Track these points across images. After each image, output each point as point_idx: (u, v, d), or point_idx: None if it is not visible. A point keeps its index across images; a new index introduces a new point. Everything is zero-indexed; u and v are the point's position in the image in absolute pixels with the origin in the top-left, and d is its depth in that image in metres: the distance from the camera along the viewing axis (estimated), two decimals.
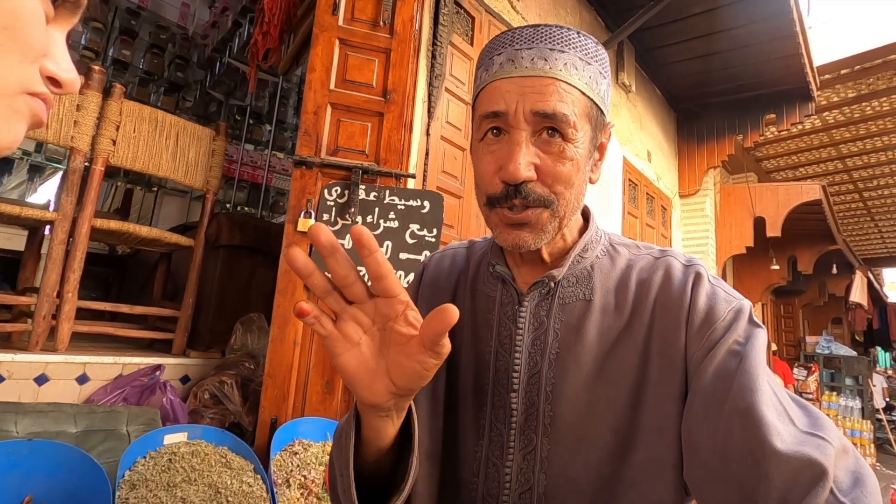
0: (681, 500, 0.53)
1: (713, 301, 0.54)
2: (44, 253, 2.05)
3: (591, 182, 0.59)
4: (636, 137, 4.20)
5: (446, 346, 0.42)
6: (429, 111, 2.19)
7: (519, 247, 0.56)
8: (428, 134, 2.18)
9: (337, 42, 1.98)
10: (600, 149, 0.60)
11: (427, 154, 2.17)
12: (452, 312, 0.39)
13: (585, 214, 0.65)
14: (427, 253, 1.89)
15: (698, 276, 0.56)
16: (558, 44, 0.54)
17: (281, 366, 1.77)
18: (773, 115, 4.53)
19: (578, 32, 0.56)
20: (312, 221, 1.84)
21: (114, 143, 2.03)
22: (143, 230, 2.18)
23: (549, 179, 0.53)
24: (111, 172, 4.13)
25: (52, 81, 0.35)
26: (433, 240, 1.90)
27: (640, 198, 4.15)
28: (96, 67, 1.96)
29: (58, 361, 1.80)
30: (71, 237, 1.95)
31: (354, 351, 0.44)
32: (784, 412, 0.47)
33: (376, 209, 1.90)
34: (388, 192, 1.91)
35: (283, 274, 1.83)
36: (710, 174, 5.00)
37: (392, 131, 1.98)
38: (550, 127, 0.53)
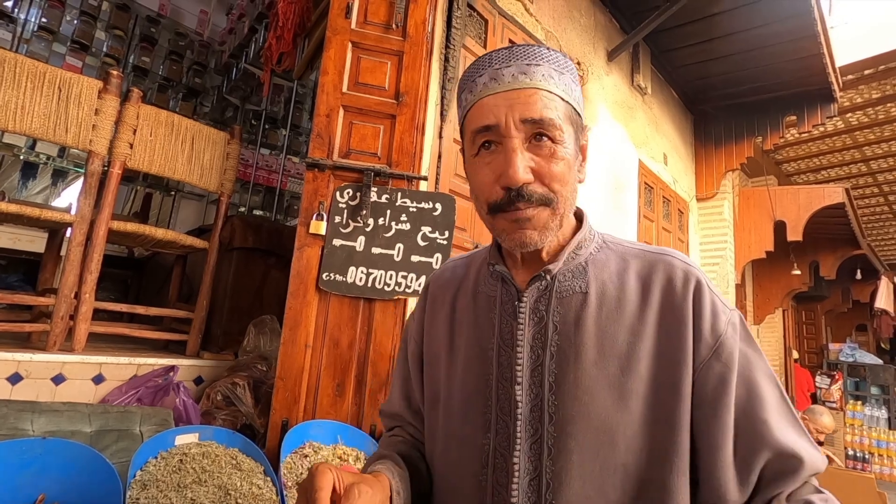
0: (687, 488, 0.56)
1: (715, 314, 0.59)
2: (63, 255, 2.08)
3: (580, 182, 0.64)
4: (652, 140, 4.14)
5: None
6: (441, 114, 2.19)
7: (526, 245, 0.60)
8: (440, 136, 2.17)
9: (349, 45, 1.99)
10: (582, 150, 0.64)
11: (439, 156, 2.16)
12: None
13: (579, 216, 0.69)
14: (439, 256, 1.88)
15: (699, 286, 0.60)
16: (534, 59, 0.59)
17: (292, 368, 1.77)
18: (793, 117, 4.43)
19: (548, 48, 0.61)
20: (325, 223, 1.84)
21: (131, 146, 2.06)
22: (159, 232, 2.21)
23: (546, 179, 0.58)
24: (131, 177, 4.21)
25: None
26: (445, 242, 1.89)
27: (656, 201, 4.09)
28: (114, 72, 1.99)
29: (74, 361, 1.82)
30: (89, 239, 1.98)
31: None
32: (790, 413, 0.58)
33: (388, 211, 1.89)
34: (400, 194, 1.90)
35: (295, 276, 1.83)
36: (729, 177, 4.90)
37: (404, 134, 1.97)
38: (539, 132, 0.58)
